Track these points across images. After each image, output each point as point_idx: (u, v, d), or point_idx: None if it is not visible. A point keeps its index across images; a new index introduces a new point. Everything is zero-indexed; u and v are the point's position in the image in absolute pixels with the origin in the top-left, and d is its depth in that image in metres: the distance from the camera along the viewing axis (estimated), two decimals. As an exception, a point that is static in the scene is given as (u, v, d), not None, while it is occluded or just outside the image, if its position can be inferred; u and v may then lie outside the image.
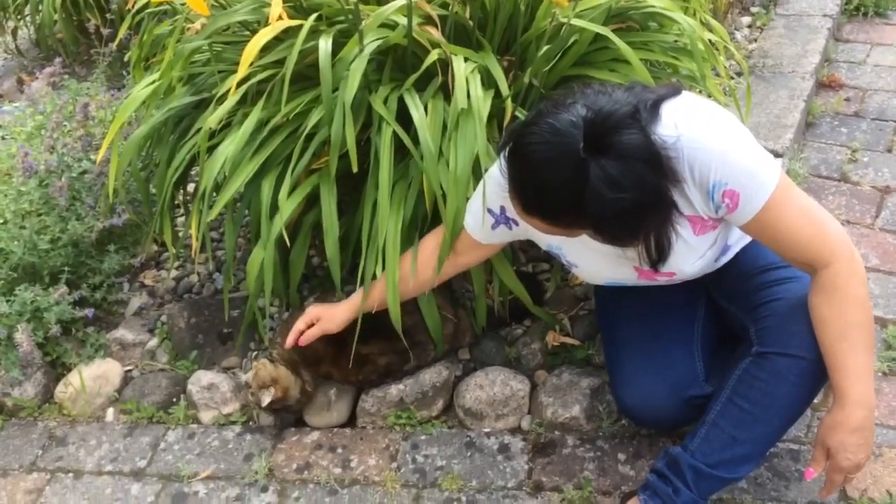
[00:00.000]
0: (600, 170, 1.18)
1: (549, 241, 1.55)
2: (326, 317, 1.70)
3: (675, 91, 1.33)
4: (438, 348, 1.82)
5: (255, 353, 1.97)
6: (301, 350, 1.72)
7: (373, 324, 1.65)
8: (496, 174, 1.44)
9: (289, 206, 1.61)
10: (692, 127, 1.28)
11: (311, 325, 1.71)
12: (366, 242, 1.61)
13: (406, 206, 1.63)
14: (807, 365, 1.39)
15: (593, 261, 1.53)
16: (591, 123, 1.20)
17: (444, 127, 1.60)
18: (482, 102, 1.57)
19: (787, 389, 1.41)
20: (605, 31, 1.65)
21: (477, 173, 1.56)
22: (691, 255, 1.44)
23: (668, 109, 1.29)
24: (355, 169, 1.55)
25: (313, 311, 1.72)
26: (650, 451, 1.70)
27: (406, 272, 1.63)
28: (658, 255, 1.38)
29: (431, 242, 1.64)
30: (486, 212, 1.53)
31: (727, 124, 1.32)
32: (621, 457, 1.70)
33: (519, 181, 1.28)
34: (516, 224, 1.53)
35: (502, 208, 1.52)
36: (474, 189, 1.56)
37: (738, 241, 1.55)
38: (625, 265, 1.50)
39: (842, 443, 1.36)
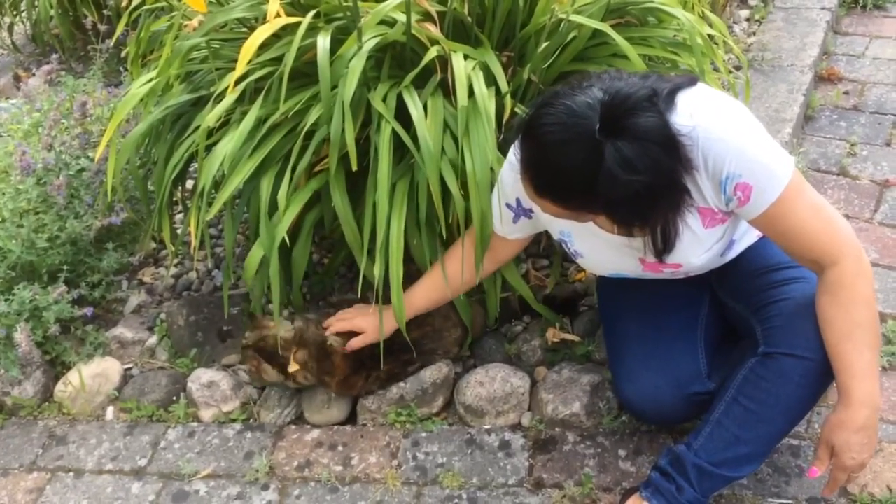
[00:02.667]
0: (615, 151, 1.17)
1: (559, 227, 1.54)
2: (371, 329, 1.71)
3: (691, 81, 1.33)
4: (450, 354, 1.85)
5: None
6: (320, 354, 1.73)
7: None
8: (509, 164, 1.44)
9: (292, 211, 1.60)
10: (708, 117, 1.28)
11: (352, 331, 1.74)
12: (367, 242, 1.61)
13: (414, 205, 1.62)
14: (813, 366, 1.39)
15: (599, 250, 1.53)
16: (608, 105, 1.19)
17: (446, 125, 1.59)
18: (488, 101, 1.56)
19: (792, 390, 1.41)
20: (603, 26, 1.64)
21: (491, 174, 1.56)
22: (699, 247, 1.44)
23: (684, 99, 1.28)
24: (354, 167, 1.54)
25: (359, 322, 1.73)
26: (651, 448, 1.71)
27: (451, 273, 1.65)
28: (664, 245, 1.38)
29: (467, 243, 1.64)
30: (505, 206, 1.54)
31: (743, 117, 1.32)
32: (622, 453, 1.70)
33: (532, 162, 1.27)
34: (534, 213, 1.52)
35: (518, 200, 1.52)
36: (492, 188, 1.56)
37: (744, 236, 1.55)
38: (630, 256, 1.50)
39: (846, 442, 1.36)
